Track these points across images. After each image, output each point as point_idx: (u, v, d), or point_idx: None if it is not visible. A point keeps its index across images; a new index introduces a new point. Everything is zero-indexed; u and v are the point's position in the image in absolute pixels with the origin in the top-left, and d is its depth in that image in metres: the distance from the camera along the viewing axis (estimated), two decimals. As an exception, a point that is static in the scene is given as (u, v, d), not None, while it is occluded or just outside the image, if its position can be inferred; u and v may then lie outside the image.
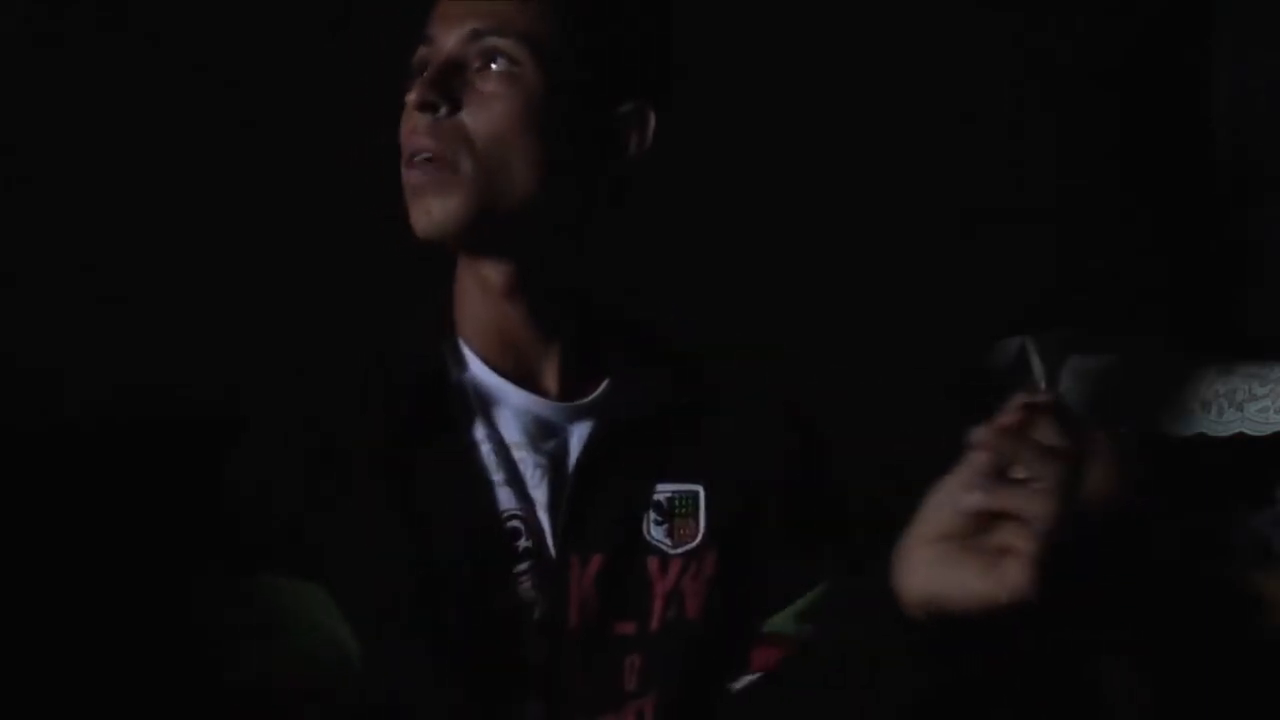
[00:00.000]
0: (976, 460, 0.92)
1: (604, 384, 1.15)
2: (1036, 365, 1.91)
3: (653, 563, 1.12)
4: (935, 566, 0.92)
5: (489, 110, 1.07)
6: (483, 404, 1.12)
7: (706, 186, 1.71)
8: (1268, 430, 1.70)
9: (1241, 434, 1.72)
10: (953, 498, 0.92)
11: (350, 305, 1.43)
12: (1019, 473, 0.91)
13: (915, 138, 1.97)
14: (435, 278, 1.17)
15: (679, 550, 1.13)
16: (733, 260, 1.76)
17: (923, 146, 1.97)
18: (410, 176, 1.08)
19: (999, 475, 0.91)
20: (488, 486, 1.09)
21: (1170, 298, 2.25)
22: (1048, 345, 1.92)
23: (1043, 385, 1.89)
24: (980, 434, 0.91)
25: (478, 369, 1.13)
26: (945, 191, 1.99)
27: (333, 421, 1.09)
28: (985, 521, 0.92)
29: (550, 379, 1.14)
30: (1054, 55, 2.17)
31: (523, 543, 1.09)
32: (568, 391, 1.14)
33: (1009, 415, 0.92)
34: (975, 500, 0.91)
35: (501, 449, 1.11)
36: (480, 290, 1.13)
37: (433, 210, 1.07)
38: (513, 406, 1.12)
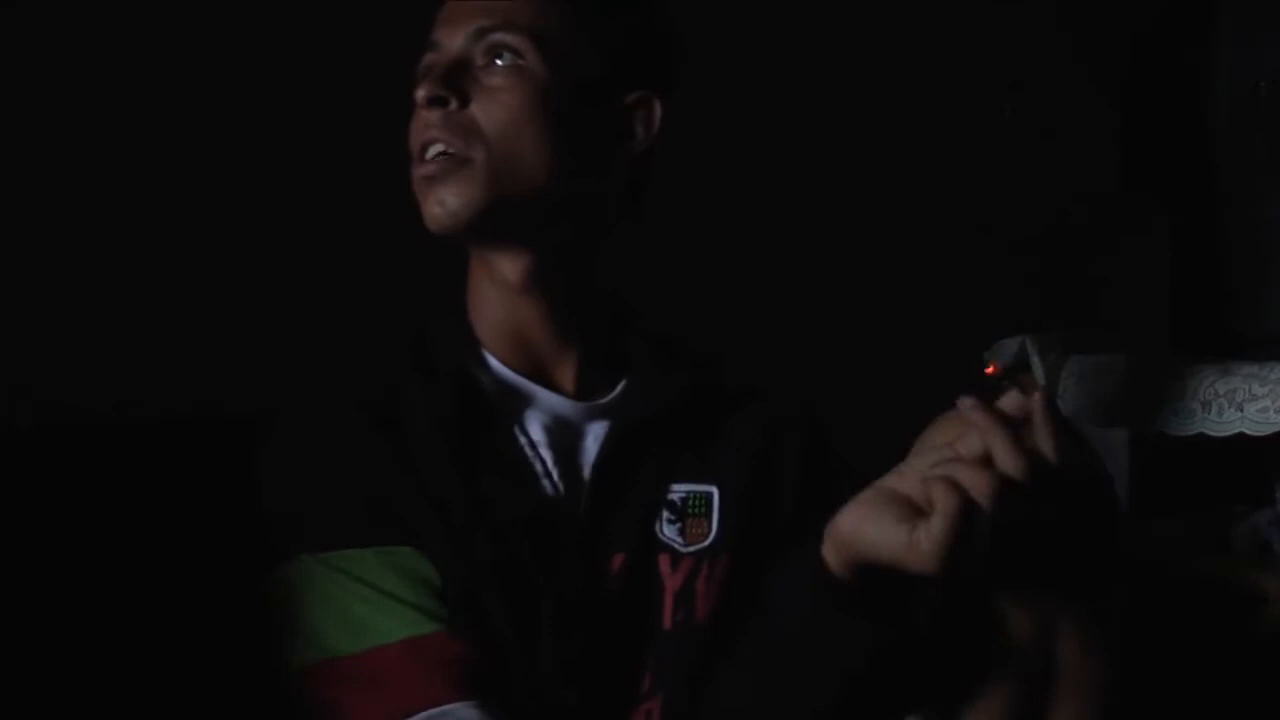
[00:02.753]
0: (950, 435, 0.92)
1: (621, 384, 1.15)
2: (1036, 365, 1.91)
3: (663, 560, 1.12)
4: (866, 508, 0.93)
5: (498, 103, 1.07)
6: (506, 401, 1.12)
7: (711, 189, 1.71)
8: (1268, 430, 1.70)
9: (1241, 434, 1.72)
10: (921, 462, 0.93)
11: (352, 307, 1.43)
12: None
13: (916, 138, 1.97)
14: (451, 277, 1.16)
15: (690, 549, 1.13)
16: (735, 261, 1.77)
17: (923, 147, 1.97)
18: (422, 171, 1.09)
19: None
20: (525, 480, 1.09)
21: (1170, 298, 2.26)
22: (1048, 345, 1.92)
23: (1043, 385, 1.89)
24: (968, 404, 0.91)
25: (497, 367, 1.13)
26: (946, 192, 1.99)
27: (392, 407, 1.09)
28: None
29: (567, 378, 1.14)
30: (1055, 55, 2.17)
31: (545, 539, 1.09)
32: (584, 390, 1.14)
33: (1009, 401, 0.92)
34: (932, 468, 0.91)
35: (529, 445, 1.10)
36: (495, 288, 1.13)
37: (447, 201, 1.07)
38: (533, 404, 1.12)
